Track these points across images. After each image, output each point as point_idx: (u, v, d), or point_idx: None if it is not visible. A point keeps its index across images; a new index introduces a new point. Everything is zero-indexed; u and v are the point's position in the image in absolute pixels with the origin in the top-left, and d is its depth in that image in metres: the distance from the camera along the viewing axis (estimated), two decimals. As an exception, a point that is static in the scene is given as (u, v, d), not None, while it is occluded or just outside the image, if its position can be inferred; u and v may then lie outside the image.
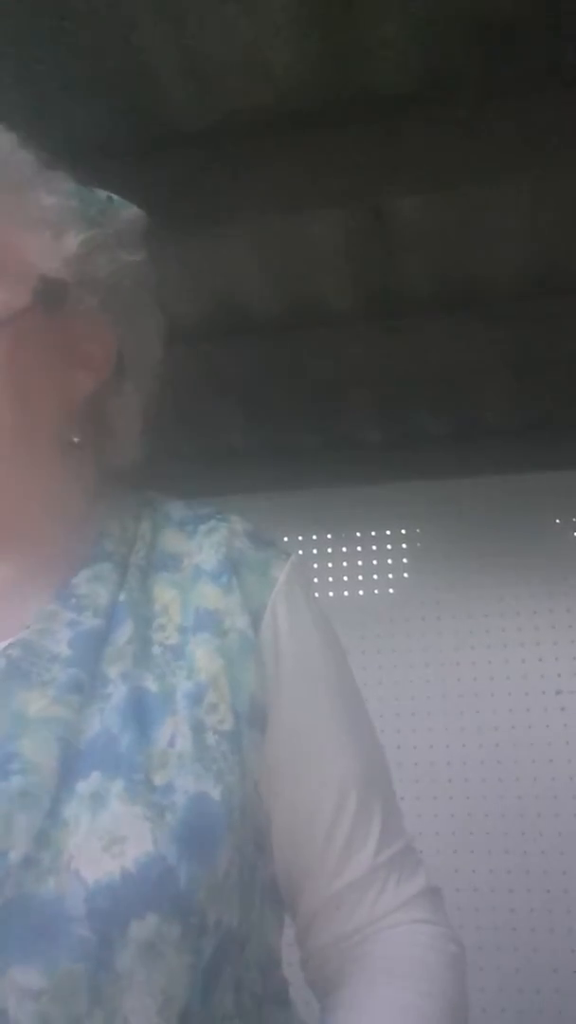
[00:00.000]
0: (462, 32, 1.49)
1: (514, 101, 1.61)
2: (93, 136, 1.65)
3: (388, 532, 3.23)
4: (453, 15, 1.46)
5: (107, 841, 0.53)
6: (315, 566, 3.21)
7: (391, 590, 3.19)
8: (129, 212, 0.75)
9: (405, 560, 3.20)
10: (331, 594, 3.17)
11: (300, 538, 3.21)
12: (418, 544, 3.21)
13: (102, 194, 0.74)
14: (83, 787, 0.56)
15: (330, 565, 3.21)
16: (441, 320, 2.31)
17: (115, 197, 0.75)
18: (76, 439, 0.71)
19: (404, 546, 3.22)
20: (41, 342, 0.68)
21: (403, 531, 3.22)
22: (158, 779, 0.57)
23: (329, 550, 3.23)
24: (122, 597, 0.67)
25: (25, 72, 1.52)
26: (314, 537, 3.23)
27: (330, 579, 3.19)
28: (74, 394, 0.71)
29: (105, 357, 0.73)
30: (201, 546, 0.71)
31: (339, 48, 1.53)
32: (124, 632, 0.64)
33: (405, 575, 3.19)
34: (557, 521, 3.10)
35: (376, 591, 3.19)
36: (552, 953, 2.74)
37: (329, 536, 3.24)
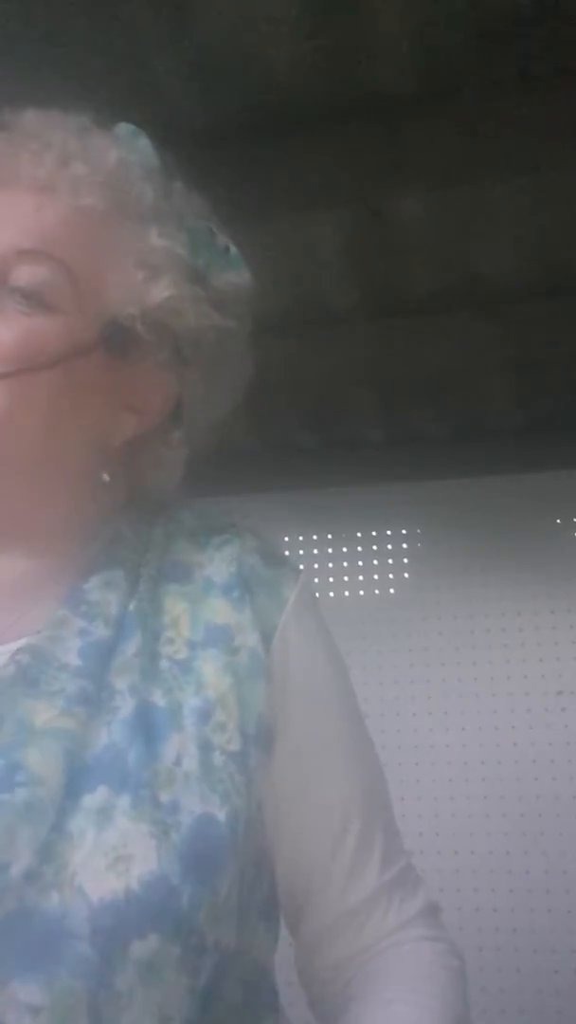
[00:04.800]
0: (462, 32, 1.49)
1: (514, 101, 1.61)
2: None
3: (388, 532, 3.23)
4: (453, 15, 1.46)
5: (112, 858, 0.53)
6: (315, 566, 3.20)
7: (391, 590, 3.18)
8: (238, 276, 0.72)
9: (405, 560, 3.20)
10: (331, 594, 3.17)
11: (300, 538, 3.21)
12: (418, 544, 3.20)
13: (221, 243, 0.71)
14: (89, 801, 0.55)
15: (330, 565, 3.21)
16: (441, 320, 2.31)
17: (233, 250, 0.72)
18: (107, 477, 0.69)
19: (404, 546, 3.21)
20: (94, 382, 0.66)
21: (403, 531, 3.22)
22: (164, 796, 0.56)
23: (329, 550, 3.23)
24: (132, 606, 0.66)
25: (25, 73, 1.52)
26: (314, 537, 3.23)
27: (330, 579, 3.19)
28: (115, 435, 0.69)
29: (160, 407, 0.70)
30: (212, 559, 0.70)
31: (340, 48, 1.53)
32: (133, 643, 0.63)
33: (405, 575, 3.19)
34: (557, 521, 3.10)
35: (376, 591, 3.19)
36: (553, 953, 2.74)
37: (329, 536, 3.24)
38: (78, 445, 0.67)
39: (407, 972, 0.65)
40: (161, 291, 0.66)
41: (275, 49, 1.53)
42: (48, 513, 0.69)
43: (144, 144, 0.70)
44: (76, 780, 0.56)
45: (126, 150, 0.68)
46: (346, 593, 3.19)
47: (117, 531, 0.71)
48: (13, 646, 0.62)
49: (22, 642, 0.62)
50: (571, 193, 1.83)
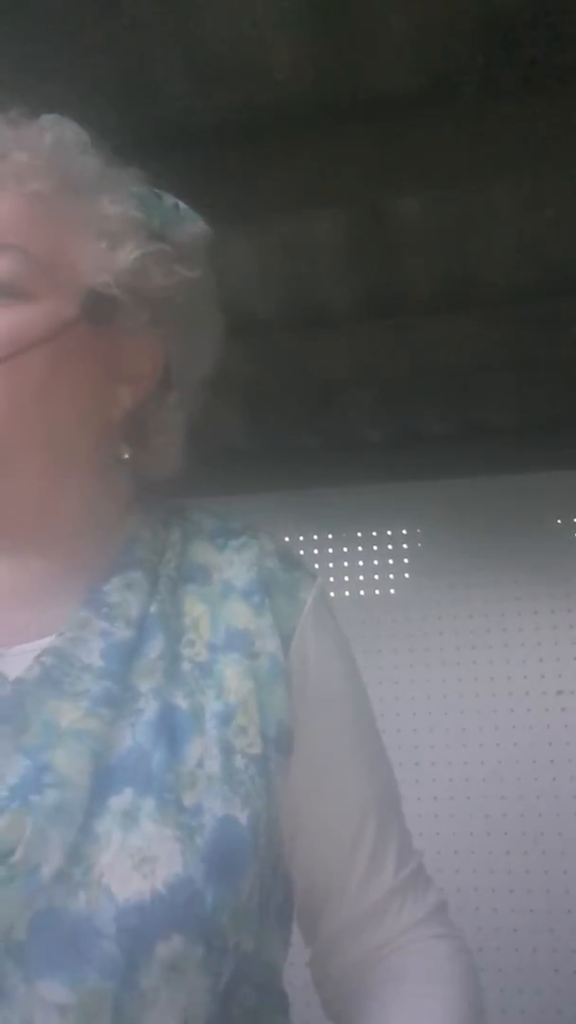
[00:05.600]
0: (462, 32, 1.49)
1: (514, 101, 1.61)
2: (93, 136, 1.65)
3: (388, 532, 3.23)
4: (454, 15, 1.46)
5: (138, 860, 0.53)
6: (315, 566, 3.20)
7: (391, 590, 3.19)
8: (194, 226, 0.73)
9: (405, 560, 3.20)
10: (331, 594, 3.16)
11: (300, 538, 3.22)
12: (418, 544, 3.21)
13: (169, 201, 0.72)
14: (115, 803, 0.56)
15: (330, 565, 3.21)
16: (441, 320, 2.31)
17: (182, 206, 0.73)
18: (125, 456, 0.70)
19: (404, 546, 3.22)
20: (84, 356, 0.66)
21: (403, 531, 3.22)
22: (187, 800, 0.57)
23: (329, 550, 3.24)
24: (153, 608, 0.66)
25: (25, 71, 1.52)
26: (314, 537, 3.23)
27: (330, 579, 3.19)
28: (115, 408, 0.69)
29: (151, 371, 0.71)
30: (232, 561, 0.71)
31: (340, 49, 1.53)
32: (155, 646, 0.64)
33: (405, 575, 3.19)
34: (558, 521, 3.10)
35: (376, 591, 3.19)
36: (553, 953, 2.74)
37: (329, 536, 3.24)
38: (80, 425, 0.67)
39: (422, 967, 0.66)
40: (127, 255, 0.67)
41: (275, 49, 1.53)
42: (61, 506, 0.68)
43: (72, 124, 0.71)
44: (102, 781, 0.56)
45: (58, 131, 0.69)
46: (346, 593, 3.19)
47: (134, 533, 0.71)
48: (33, 645, 0.63)
49: (44, 642, 0.63)
50: (571, 193, 1.83)
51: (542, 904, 2.78)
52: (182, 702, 0.62)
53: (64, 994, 0.50)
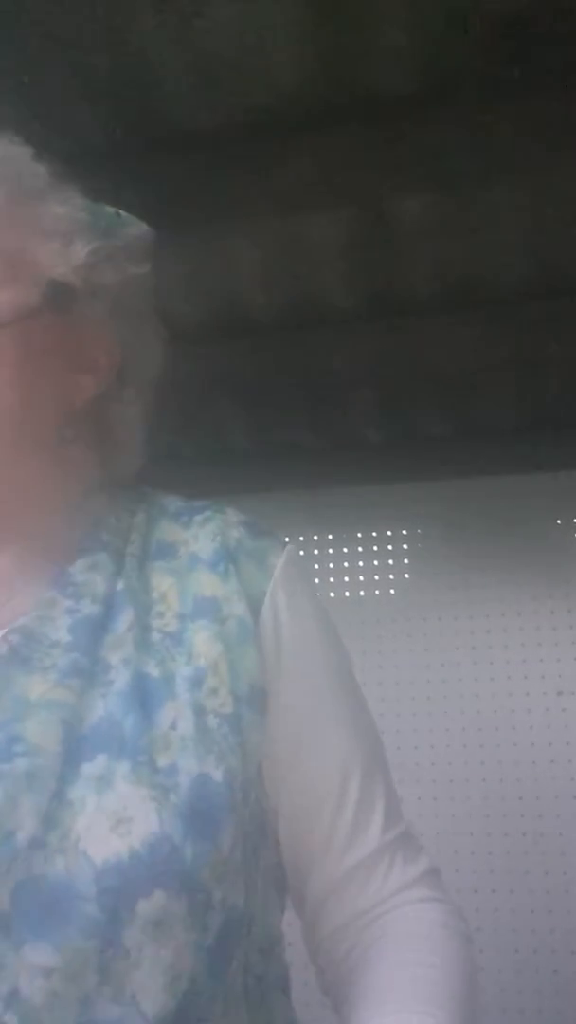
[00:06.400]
0: (463, 32, 1.49)
1: (515, 101, 1.61)
2: (95, 137, 1.65)
3: (388, 532, 3.23)
4: (453, 15, 1.46)
5: (114, 821, 0.55)
6: (315, 566, 3.21)
7: (391, 590, 3.19)
8: (137, 228, 0.77)
9: (405, 560, 3.20)
10: (331, 594, 3.18)
11: (301, 538, 3.21)
12: (418, 544, 3.21)
13: (110, 210, 0.77)
14: (88, 769, 0.57)
15: (330, 565, 3.22)
16: (442, 320, 2.31)
17: (123, 213, 0.77)
18: (71, 433, 0.72)
19: (404, 546, 3.22)
20: (47, 343, 0.70)
21: (403, 531, 3.22)
22: (161, 761, 0.58)
23: (329, 550, 3.24)
24: (120, 585, 0.68)
25: (27, 73, 1.52)
26: (314, 537, 3.23)
27: (330, 579, 3.20)
28: (75, 396, 0.72)
29: (108, 363, 0.74)
30: (197, 536, 0.73)
31: (341, 49, 1.53)
32: (124, 619, 0.65)
33: (405, 575, 3.19)
34: (558, 522, 3.10)
35: (376, 591, 3.19)
36: (553, 953, 2.74)
37: (329, 536, 3.24)
38: (46, 412, 0.70)
39: (412, 934, 0.65)
40: (78, 253, 0.71)
41: (276, 50, 1.53)
42: (26, 489, 0.70)
43: (14, 137, 0.74)
44: (74, 750, 0.57)
45: (6, 141, 0.73)
46: (346, 593, 3.19)
47: (99, 518, 0.74)
48: (2, 630, 0.64)
49: (13, 625, 0.64)
50: (571, 193, 1.83)
51: (542, 904, 2.78)
52: (153, 670, 0.63)
53: (48, 957, 0.52)
